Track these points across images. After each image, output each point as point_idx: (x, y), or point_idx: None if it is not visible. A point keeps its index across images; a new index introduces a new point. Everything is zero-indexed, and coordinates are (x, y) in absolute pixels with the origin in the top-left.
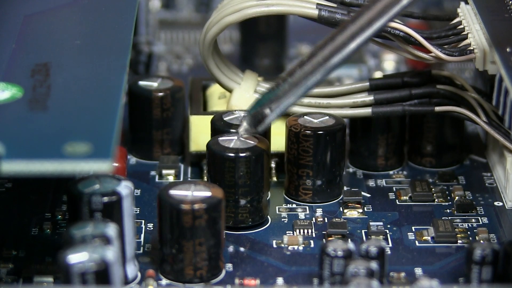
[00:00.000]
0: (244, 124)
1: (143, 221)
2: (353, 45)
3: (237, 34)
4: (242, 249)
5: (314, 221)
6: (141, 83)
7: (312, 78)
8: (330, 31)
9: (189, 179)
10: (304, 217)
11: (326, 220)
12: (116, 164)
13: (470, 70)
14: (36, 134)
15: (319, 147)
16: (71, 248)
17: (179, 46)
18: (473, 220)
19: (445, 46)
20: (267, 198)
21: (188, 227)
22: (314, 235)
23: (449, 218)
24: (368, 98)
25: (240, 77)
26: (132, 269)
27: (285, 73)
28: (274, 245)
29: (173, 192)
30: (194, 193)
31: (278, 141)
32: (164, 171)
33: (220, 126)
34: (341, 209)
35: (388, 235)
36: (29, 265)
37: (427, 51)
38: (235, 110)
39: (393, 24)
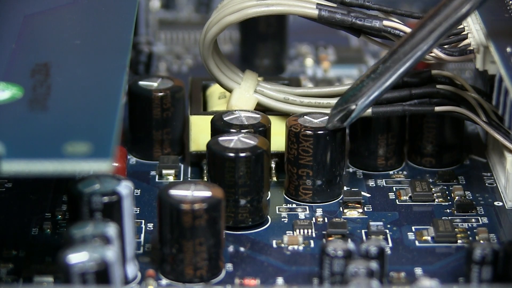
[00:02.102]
0: (332, 120)
1: (143, 221)
2: (430, 40)
3: (237, 34)
4: (242, 249)
5: (314, 221)
6: (141, 83)
7: (392, 72)
8: (330, 31)
9: (189, 179)
10: (304, 217)
11: (326, 220)
12: (116, 164)
13: (470, 70)
14: (36, 134)
15: (319, 147)
16: (71, 248)
17: (179, 46)
18: (473, 220)
19: (445, 46)
20: (267, 198)
21: (188, 227)
22: (314, 235)
23: (449, 218)
24: None
25: (240, 77)
26: (132, 269)
27: (369, 70)
28: (274, 245)
29: (173, 192)
30: (194, 193)
31: (278, 141)
32: (164, 171)
33: (220, 126)
34: (341, 209)
35: (388, 235)
36: (29, 265)
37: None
38: (235, 110)
39: (393, 24)
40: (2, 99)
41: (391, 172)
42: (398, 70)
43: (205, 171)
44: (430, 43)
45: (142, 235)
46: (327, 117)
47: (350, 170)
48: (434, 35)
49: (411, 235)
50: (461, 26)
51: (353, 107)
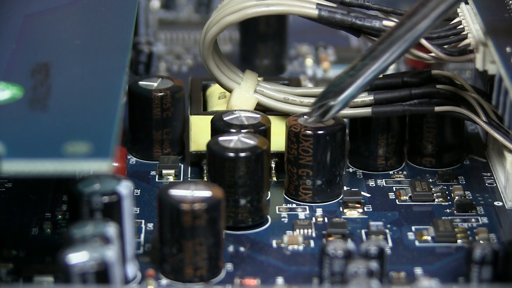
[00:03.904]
0: (312, 115)
1: (143, 221)
2: (409, 39)
3: (237, 34)
4: (242, 249)
5: (314, 221)
6: (141, 83)
7: (372, 70)
8: (330, 31)
9: (189, 179)
10: (304, 217)
11: (326, 220)
12: (116, 164)
13: (470, 70)
14: (36, 134)
15: (319, 147)
16: (71, 248)
17: (179, 46)
18: (473, 220)
19: (445, 46)
20: (267, 198)
21: (188, 227)
22: (314, 235)
23: (449, 218)
24: (368, 98)
25: (240, 77)
26: (132, 269)
27: (348, 66)
28: (274, 245)
29: (173, 192)
30: (194, 193)
31: (278, 141)
32: (164, 171)
33: (220, 126)
34: (341, 209)
35: (388, 235)
36: (29, 265)
37: (427, 51)
38: (235, 110)
39: (393, 24)
40: (2, 99)
41: (391, 172)
42: (376, 68)
43: (205, 171)
44: (408, 42)
45: (142, 235)
46: None
47: (350, 170)
48: (412, 34)
49: (411, 235)
50: (461, 26)
51: (332, 103)
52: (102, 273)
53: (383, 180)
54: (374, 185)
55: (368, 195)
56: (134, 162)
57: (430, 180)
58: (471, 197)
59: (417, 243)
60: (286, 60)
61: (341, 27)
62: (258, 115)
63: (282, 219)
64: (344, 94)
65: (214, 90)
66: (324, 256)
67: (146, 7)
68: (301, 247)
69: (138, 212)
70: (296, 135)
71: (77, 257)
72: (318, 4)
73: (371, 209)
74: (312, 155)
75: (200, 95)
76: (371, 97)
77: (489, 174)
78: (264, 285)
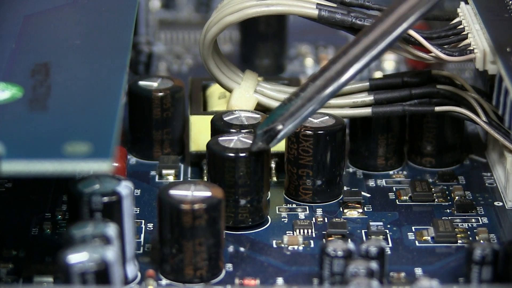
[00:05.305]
0: (257, 141)
1: (143, 221)
2: (366, 58)
3: (237, 34)
4: (242, 249)
5: (314, 221)
6: (141, 83)
7: (324, 92)
8: (330, 31)
9: (189, 179)
10: (304, 217)
11: (326, 220)
12: (116, 164)
13: (470, 70)
14: (36, 134)
15: (319, 147)
16: (71, 248)
17: (179, 46)
18: (473, 220)
19: (445, 46)
20: (267, 198)
21: (188, 227)
22: (314, 235)
23: (449, 218)
24: (368, 98)
25: (240, 77)
26: (132, 269)
27: (298, 88)
28: (274, 245)
29: (173, 192)
30: (194, 193)
31: None
32: (164, 171)
33: (220, 126)
34: (341, 209)
35: (388, 235)
36: (29, 265)
37: (427, 51)
38: (235, 110)
39: None
40: (2, 99)
41: (391, 172)
42: (329, 90)
43: (205, 171)
44: (363, 63)
45: (142, 235)
46: (327, 117)
47: (350, 170)
48: (368, 54)
49: (411, 235)
50: (461, 26)
51: (280, 127)
52: (102, 273)
53: (383, 180)
54: (374, 185)
55: (368, 195)
56: (134, 162)
57: (430, 180)
58: (471, 197)
59: (417, 243)
60: (286, 60)
61: (341, 27)
62: (258, 115)
63: (282, 219)
64: (294, 118)
65: (214, 90)
66: (324, 256)
67: (146, 7)
68: (301, 247)
69: (138, 212)
70: (296, 135)
71: (77, 257)
72: (318, 4)
73: (371, 209)
74: (312, 155)
75: (200, 95)
76: (371, 97)
77: (489, 174)
78: (264, 285)
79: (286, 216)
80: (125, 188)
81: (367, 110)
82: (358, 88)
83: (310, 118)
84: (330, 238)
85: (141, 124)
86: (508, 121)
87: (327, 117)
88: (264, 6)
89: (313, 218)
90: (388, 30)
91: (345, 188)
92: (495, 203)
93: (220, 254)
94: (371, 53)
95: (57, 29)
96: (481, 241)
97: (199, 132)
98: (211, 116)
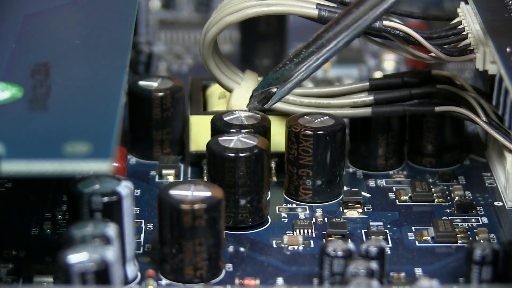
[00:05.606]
0: (253, 101)
1: (143, 221)
2: (355, 27)
3: (237, 34)
4: (242, 249)
5: (314, 221)
6: (141, 83)
7: (316, 58)
8: None
9: (189, 179)
10: (304, 217)
11: (326, 220)
12: (116, 164)
13: (470, 70)
14: (36, 134)
15: (319, 147)
16: (71, 248)
17: (179, 46)
18: (473, 220)
19: (445, 46)
20: (267, 198)
21: (188, 227)
22: (314, 235)
23: (449, 218)
24: (368, 98)
25: (240, 77)
26: (132, 269)
27: (292, 54)
28: (274, 245)
29: (173, 192)
30: (194, 193)
31: (278, 141)
32: (164, 171)
33: (220, 126)
34: (341, 209)
35: (388, 235)
36: (29, 265)
37: (427, 51)
38: (235, 110)
39: (393, 24)
40: (2, 99)
41: (391, 172)
42: (321, 56)
43: (205, 171)
44: (354, 32)
45: (142, 235)
46: (327, 117)
47: (350, 170)
48: (358, 24)
49: (411, 235)
50: (461, 26)
51: (275, 90)
52: (102, 273)
53: (383, 180)
54: (374, 185)
55: (368, 195)
56: (134, 162)
57: (430, 180)
58: (471, 197)
59: (417, 243)
60: None
61: None
62: (258, 115)
63: (282, 219)
64: (288, 81)
65: (214, 90)
66: (324, 256)
67: (146, 7)
68: (301, 247)
69: (138, 212)
70: (296, 135)
71: (77, 257)
72: (318, 4)
73: (371, 209)
74: (312, 155)
75: (200, 95)
76: (371, 97)
77: (489, 174)
78: (264, 285)
79: (286, 216)
80: (125, 188)
81: (367, 110)
82: (358, 88)
83: (310, 118)
84: (330, 238)
85: (141, 124)
86: (508, 121)
87: (327, 117)
88: (264, 6)
89: (313, 218)
90: (376, 3)
91: (345, 188)
92: (495, 203)
93: (220, 254)
94: (360, 23)
95: (57, 29)
96: (481, 241)
97: (199, 132)
98: (211, 116)
